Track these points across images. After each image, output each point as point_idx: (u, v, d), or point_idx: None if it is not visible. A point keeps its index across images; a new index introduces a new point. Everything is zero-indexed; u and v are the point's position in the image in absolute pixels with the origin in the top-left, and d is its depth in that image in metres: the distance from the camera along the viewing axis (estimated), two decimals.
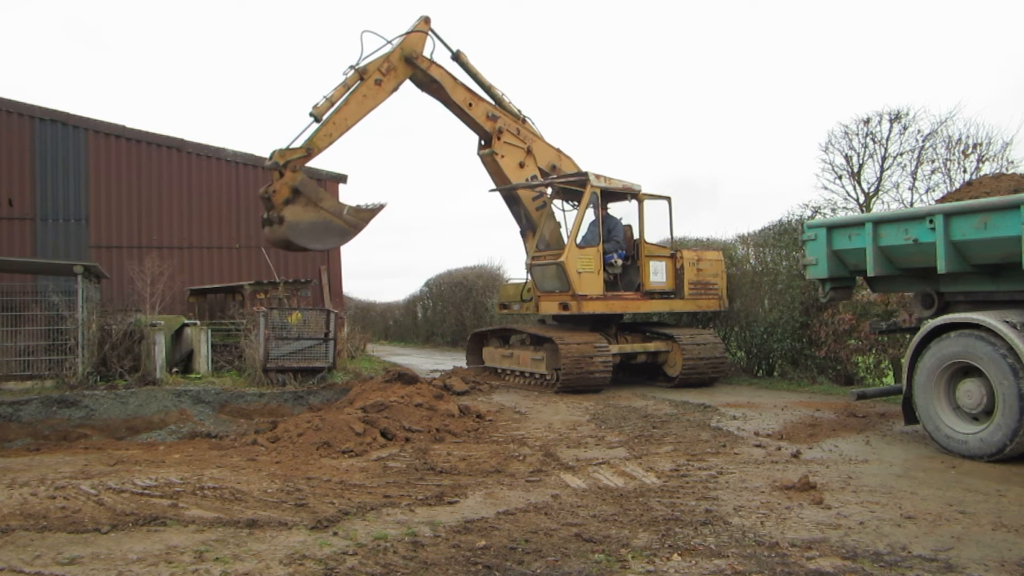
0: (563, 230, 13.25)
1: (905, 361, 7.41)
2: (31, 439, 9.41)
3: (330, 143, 11.80)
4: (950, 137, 13.01)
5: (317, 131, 11.65)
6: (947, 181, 12.87)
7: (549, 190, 13.34)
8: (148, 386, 11.43)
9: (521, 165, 13.19)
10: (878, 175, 13.99)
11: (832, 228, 8.26)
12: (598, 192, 12.29)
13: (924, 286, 7.79)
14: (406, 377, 10.44)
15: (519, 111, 13.48)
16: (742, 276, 14.22)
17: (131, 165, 16.51)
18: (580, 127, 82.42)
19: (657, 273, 12.83)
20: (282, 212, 11.57)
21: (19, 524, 4.94)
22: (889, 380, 11.93)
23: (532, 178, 13.27)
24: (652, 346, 12.64)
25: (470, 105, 12.89)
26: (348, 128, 11.93)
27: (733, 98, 79.24)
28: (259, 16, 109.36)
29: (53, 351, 12.39)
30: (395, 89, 12.32)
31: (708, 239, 15.44)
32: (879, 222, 7.70)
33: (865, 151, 14.07)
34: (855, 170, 14.24)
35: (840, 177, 14.45)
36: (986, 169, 12.43)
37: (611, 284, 12.48)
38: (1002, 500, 5.31)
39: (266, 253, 16.69)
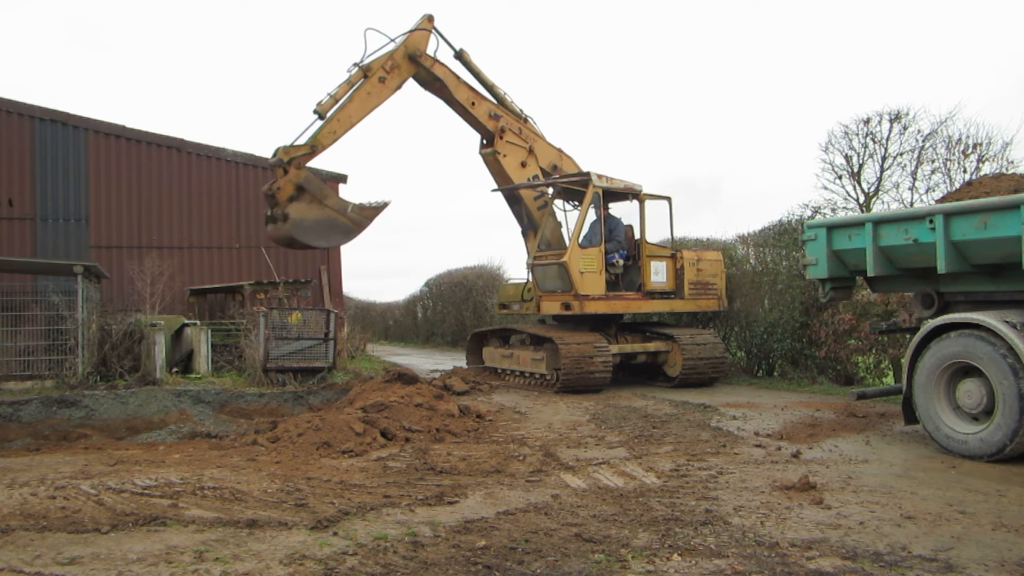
0: (564, 230, 13.26)
1: (905, 361, 7.41)
2: (31, 439, 9.41)
3: (334, 140, 11.79)
4: (950, 137, 13.02)
5: (321, 128, 11.64)
6: (947, 181, 12.88)
7: (551, 190, 13.34)
8: (148, 386, 11.43)
9: (523, 165, 13.20)
10: (878, 175, 14.00)
11: (832, 228, 8.25)
12: (600, 192, 12.30)
13: (924, 286, 7.79)
14: (406, 377, 10.44)
15: (521, 111, 13.49)
16: (742, 276, 14.21)
17: (131, 165, 16.51)
18: (581, 127, 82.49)
19: (658, 273, 12.84)
20: (286, 209, 11.53)
21: (19, 524, 4.94)
22: (889, 380, 11.93)
23: (534, 178, 13.28)
24: (652, 346, 12.64)
25: (473, 104, 12.90)
26: (352, 125, 11.92)
27: (734, 98, 79.28)
28: (259, 16, 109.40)
29: (53, 351, 12.39)
30: (399, 87, 12.32)
31: (708, 239, 15.44)
32: (879, 222, 7.70)
33: (865, 151, 14.09)
34: (855, 170, 14.24)
35: (840, 177, 14.46)
36: (986, 169, 12.43)
37: (612, 284, 12.48)
38: (1002, 500, 5.31)
39: (266, 253, 16.70)
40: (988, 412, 6.59)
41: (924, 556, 4.17)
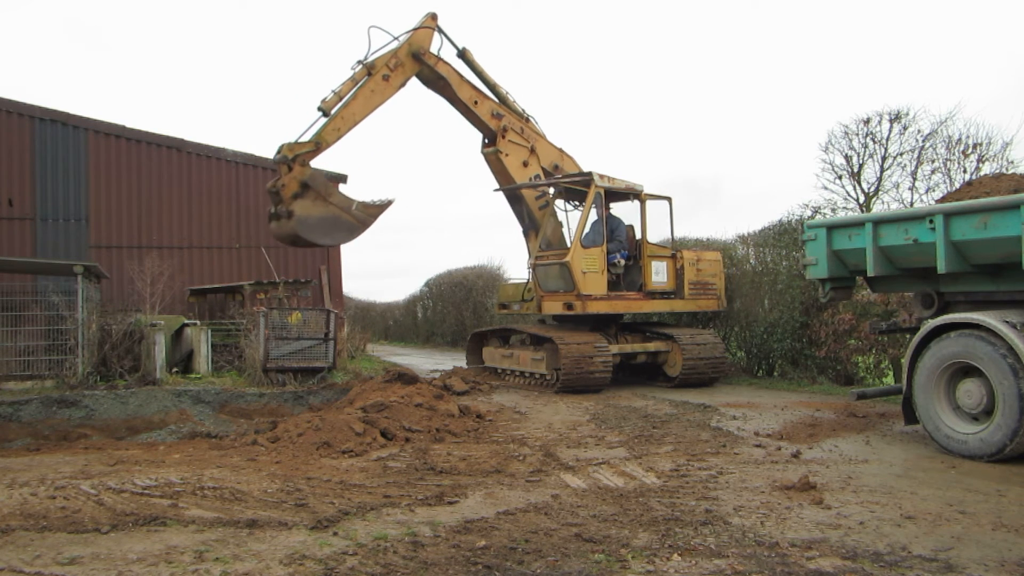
0: (565, 230, 13.28)
1: (905, 361, 7.41)
2: (31, 439, 9.42)
3: (338, 138, 11.77)
4: (950, 137, 13.02)
5: (325, 125, 11.62)
6: (947, 181, 12.88)
7: (552, 190, 13.35)
8: (148, 386, 11.43)
9: (525, 164, 13.20)
10: (878, 175, 14.01)
11: (832, 228, 8.26)
12: (602, 192, 12.31)
13: (924, 286, 7.79)
14: (406, 377, 10.44)
15: (523, 110, 13.51)
16: (742, 276, 14.21)
17: (131, 165, 16.51)
18: (582, 127, 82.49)
19: (659, 273, 12.85)
20: (291, 206, 11.45)
21: (19, 524, 4.94)
22: (889, 380, 11.93)
23: (535, 177, 13.28)
24: (652, 346, 12.64)
25: (476, 103, 12.90)
26: (356, 123, 11.90)
27: (734, 98, 79.30)
28: (259, 16, 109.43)
29: (53, 351, 12.39)
30: (402, 85, 12.32)
31: (708, 239, 15.44)
32: (879, 222, 7.70)
33: (865, 151, 14.09)
34: (855, 170, 14.25)
35: (840, 177, 14.47)
36: (986, 169, 12.43)
37: (614, 284, 12.49)
38: (1002, 500, 5.31)
39: (266, 253, 16.70)
40: (988, 412, 6.59)
41: (924, 556, 4.18)
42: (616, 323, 13.04)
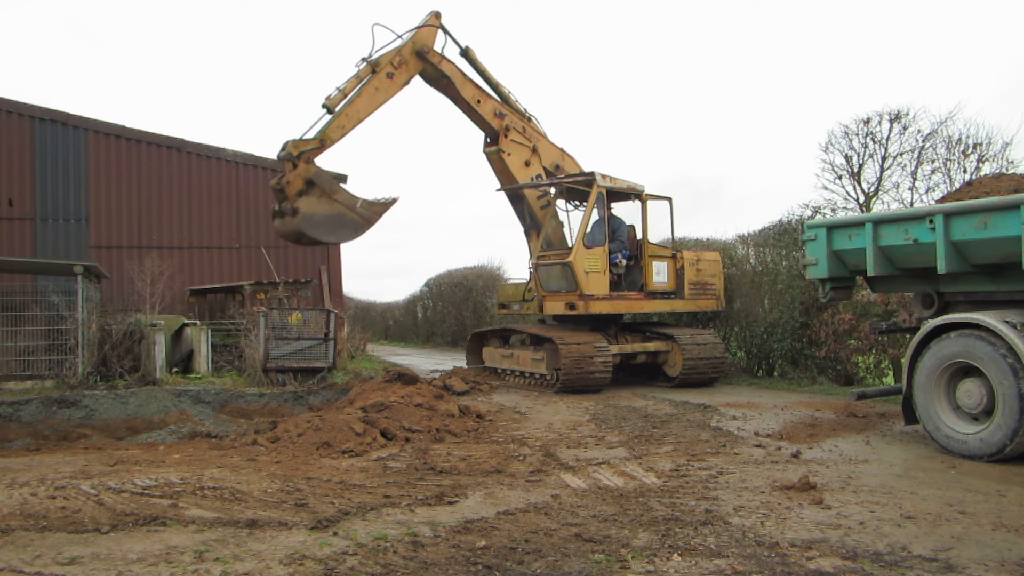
0: (566, 230, 13.28)
1: (905, 361, 7.41)
2: (31, 439, 9.42)
3: (343, 135, 11.73)
4: (950, 137, 13.02)
5: (330, 123, 11.58)
6: (947, 181, 12.87)
7: (554, 190, 13.35)
8: (148, 386, 11.43)
9: (527, 164, 13.20)
10: (878, 175, 14.00)
11: (832, 228, 8.26)
12: (604, 192, 12.31)
13: (924, 286, 7.79)
14: (406, 377, 10.44)
15: (525, 110, 13.51)
16: (742, 276, 14.21)
17: (131, 165, 16.52)
18: (582, 126, 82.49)
19: (659, 273, 12.86)
20: (296, 204, 11.37)
21: (19, 524, 4.94)
22: (889, 380, 11.93)
23: (537, 177, 13.28)
24: (652, 346, 12.64)
25: (478, 102, 12.89)
26: (360, 121, 11.87)
27: (734, 98, 79.29)
28: (259, 16, 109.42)
29: (53, 351, 12.39)
30: (406, 83, 12.30)
31: (708, 239, 15.45)
32: (879, 222, 7.70)
33: (865, 151, 14.09)
34: (855, 170, 14.24)
35: (840, 177, 14.46)
36: (986, 169, 12.43)
37: (615, 284, 12.49)
38: (1002, 500, 5.31)
39: (266, 253, 16.70)
40: (988, 412, 6.59)
41: (924, 556, 4.17)
42: (616, 323, 13.04)
